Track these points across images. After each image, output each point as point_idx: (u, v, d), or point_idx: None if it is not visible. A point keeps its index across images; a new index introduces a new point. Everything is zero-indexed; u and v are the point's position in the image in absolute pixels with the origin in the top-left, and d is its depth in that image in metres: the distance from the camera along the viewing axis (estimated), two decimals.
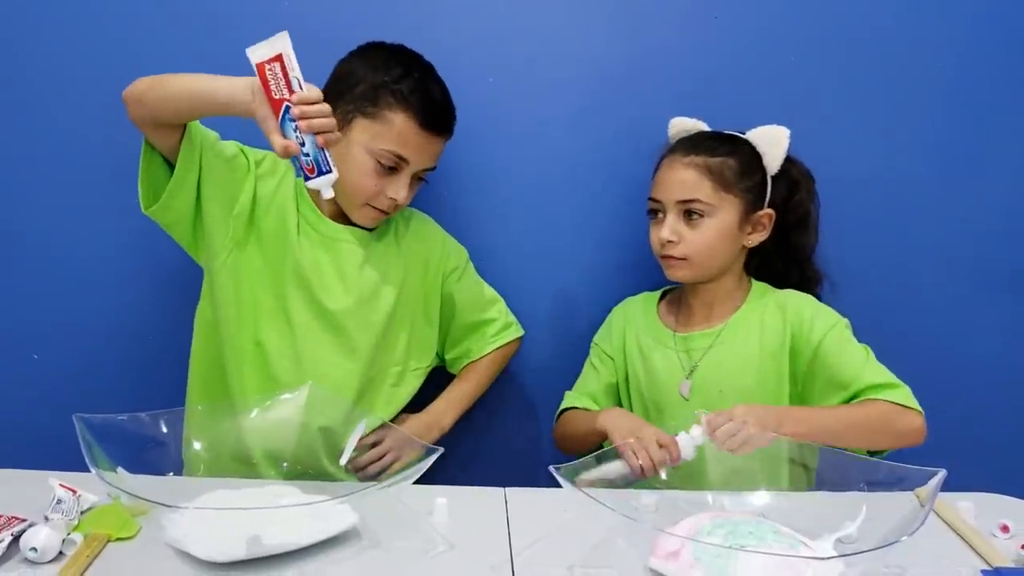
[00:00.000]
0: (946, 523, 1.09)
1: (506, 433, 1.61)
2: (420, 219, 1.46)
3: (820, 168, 1.51)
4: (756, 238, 1.36)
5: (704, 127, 1.40)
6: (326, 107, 1.05)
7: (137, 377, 1.53)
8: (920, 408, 1.23)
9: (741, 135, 1.36)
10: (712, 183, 1.31)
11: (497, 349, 1.48)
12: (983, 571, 0.96)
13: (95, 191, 1.48)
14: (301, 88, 1.04)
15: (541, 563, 0.96)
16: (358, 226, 1.36)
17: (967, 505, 1.10)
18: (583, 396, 1.42)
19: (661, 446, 1.14)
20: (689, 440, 1.15)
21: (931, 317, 1.60)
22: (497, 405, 1.58)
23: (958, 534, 1.06)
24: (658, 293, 1.48)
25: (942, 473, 0.95)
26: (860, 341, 1.32)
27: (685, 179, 1.31)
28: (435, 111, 1.29)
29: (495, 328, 1.48)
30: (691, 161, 1.32)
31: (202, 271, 1.35)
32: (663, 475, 1.15)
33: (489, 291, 1.50)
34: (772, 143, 1.35)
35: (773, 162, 1.35)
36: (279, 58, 1.03)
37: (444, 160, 1.43)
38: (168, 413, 1.11)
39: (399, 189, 1.29)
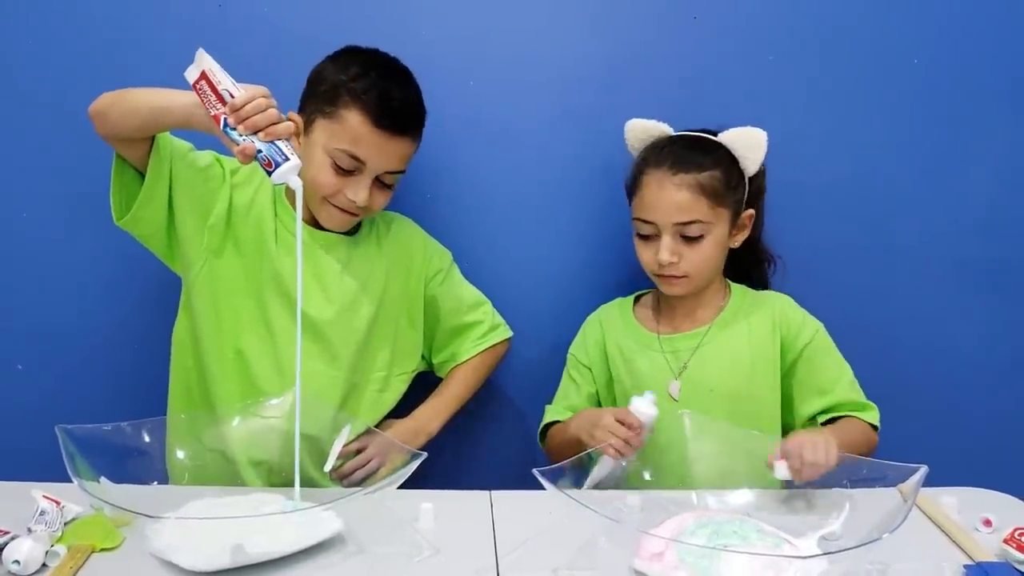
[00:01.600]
0: (929, 518, 1.09)
1: (492, 436, 1.61)
2: (401, 223, 1.46)
3: (799, 166, 1.53)
4: (740, 238, 1.36)
5: (668, 129, 1.37)
6: (262, 102, 1.03)
7: (123, 387, 1.52)
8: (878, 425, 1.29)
9: (712, 137, 1.35)
10: (707, 201, 1.29)
11: (484, 351, 1.47)
12: (965, 566, 0.97)
13: (78, 201, 1.47)
14: (232, 98, 1.03)
15: (526, 566, 0.96)
16: (338, 232, 1.35)
17: (950, 500, 1.11)
18: (564, 410, 1.40)
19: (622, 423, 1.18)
20: (641, 403, 1.19)
21: (910, 314, 1.60)
22: (483, 408, 1.58)
23: (941, 529, 1.06)
24: (631, 298, 1.46)
25: (923, 469, 0.95)
26: (840, 340, 1.35)
27: (681, 201, 1.28)
28: (390, 110, 1.24)
29: (481, 331, 1.47)
30: (682, 180, 1.28)
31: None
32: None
33: (475, 293, 1.49)
34: (751, 146, 1.33)
35: (752, 165, 1.34)
36: (204, 76, 1.04)
37: (427, 164, 1.43)
38: (151, 422, 1.11)
39: (358, 191, 1.27)
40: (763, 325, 1.35)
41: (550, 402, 1.44)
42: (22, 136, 1.48)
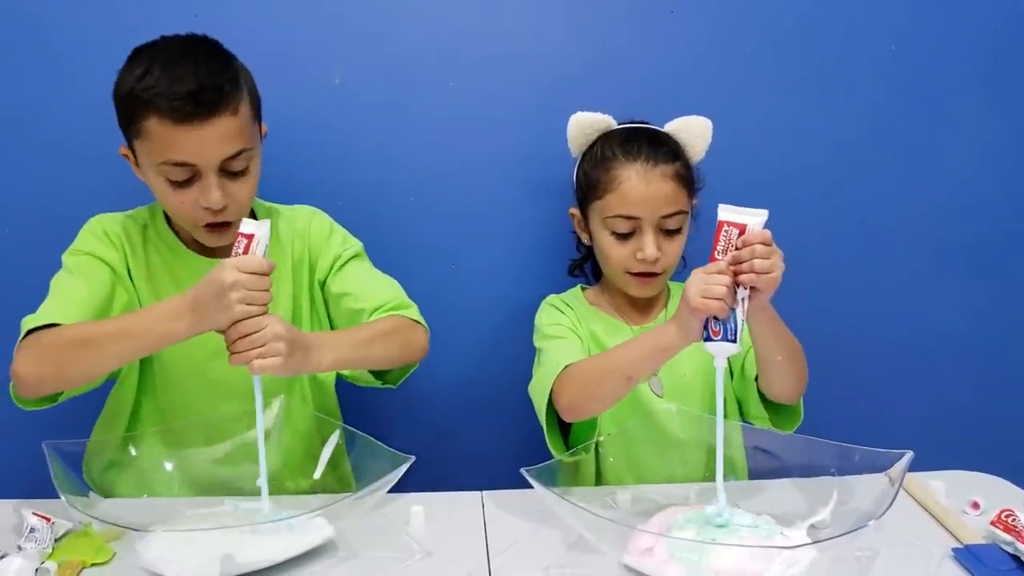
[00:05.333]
0: (918, 503, 1.10)
1: (482, 435, 1.61)
2: (307, 216, 1.35)
3: (779, 155, 1.54)
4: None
5: (613, 122, 1.33)
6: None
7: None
8: None
9: (660, 128, 1.33)
10: (685, 191, 1.28)
11: (390, 316, 1.23)
12: (954, 549, 0.97)
13: (49, 218, 1.46)
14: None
15: (518, 566, 0.96)
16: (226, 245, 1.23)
17: (938, 484, 1.12)
18: (578, 356, 1.24)
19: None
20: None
21: (892, 299, 1.62)
22: (471, 406, 1.59)
23: (930, 514, 1.07)
24: (578, 289, 1.42)
25: (908, 455, 0.96)
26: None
27: (668, 192, 1.25)
28: (185, 99, 1.06)
29: (385, 310, 1.25)
30: (665, 172, 1.26)
31: None
32: None
33: (385, 287, 1.29)
34: (698, 135, 1.31)
35: (700, 154, 1.33)
36: (248, 236, 1.02)
37: (411, 167, 1.43)
38: (139, 435, 1.12)
39: (208, 194, 1.12)
40: None
41: None
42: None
